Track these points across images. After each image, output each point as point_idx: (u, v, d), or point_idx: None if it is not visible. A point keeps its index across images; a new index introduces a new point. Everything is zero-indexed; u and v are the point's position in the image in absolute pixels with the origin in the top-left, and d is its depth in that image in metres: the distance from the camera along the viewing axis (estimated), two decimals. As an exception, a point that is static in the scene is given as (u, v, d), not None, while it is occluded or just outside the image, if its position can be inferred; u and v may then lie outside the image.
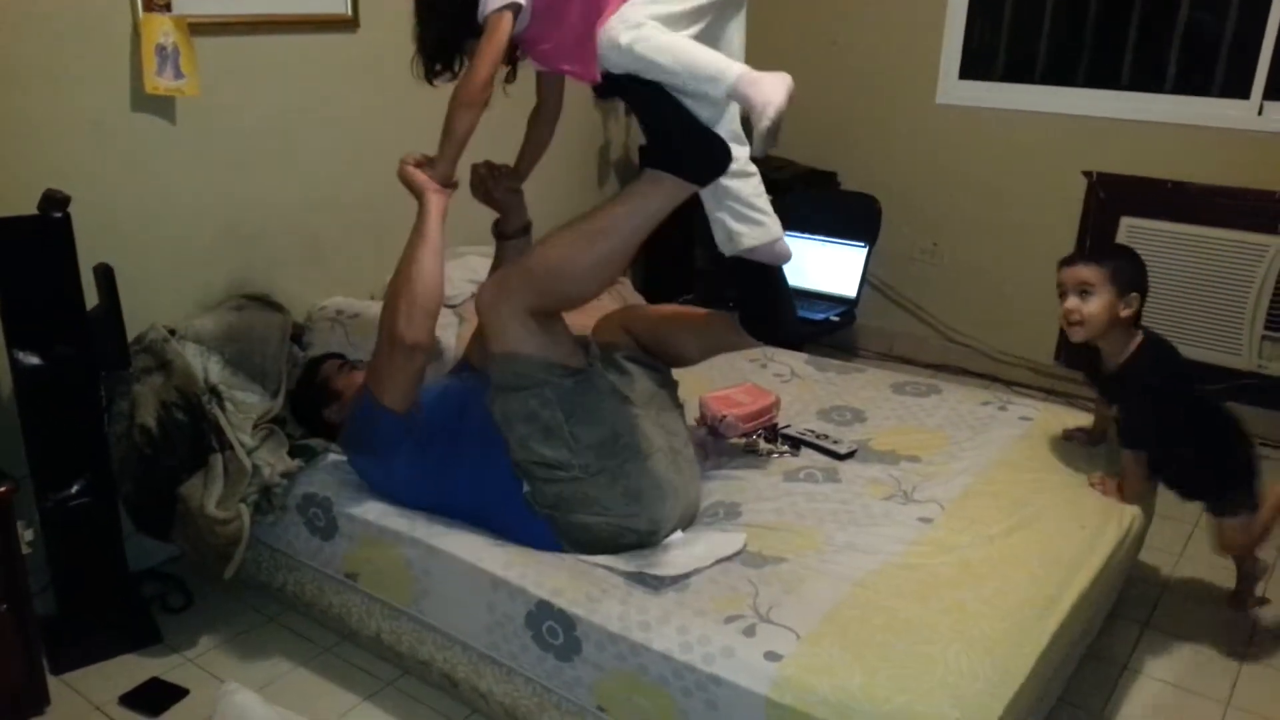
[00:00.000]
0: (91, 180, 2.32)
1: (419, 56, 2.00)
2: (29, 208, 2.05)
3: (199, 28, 2.43)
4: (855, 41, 4.03)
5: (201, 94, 2.45)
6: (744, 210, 1.97)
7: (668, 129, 1.84)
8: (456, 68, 2.01)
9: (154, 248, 2.49)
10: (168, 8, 2.37)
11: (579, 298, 1.97)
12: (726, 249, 2.02)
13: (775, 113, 1.72)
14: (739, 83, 1.74)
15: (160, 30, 2.36)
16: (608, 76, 1.84)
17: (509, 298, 1.89)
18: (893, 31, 3.94)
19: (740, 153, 1.98)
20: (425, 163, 2.00)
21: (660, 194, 1.86)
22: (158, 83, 2.38)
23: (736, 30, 1.95)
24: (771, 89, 1.74)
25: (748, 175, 1.99)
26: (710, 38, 1.85)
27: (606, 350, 2.15)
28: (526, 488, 1.94)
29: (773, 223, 2.01)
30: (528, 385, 1.90)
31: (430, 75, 2.01)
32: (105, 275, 2.15)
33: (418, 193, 1.99)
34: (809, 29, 4.10)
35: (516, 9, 1.89)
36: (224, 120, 2.58)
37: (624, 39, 1.76)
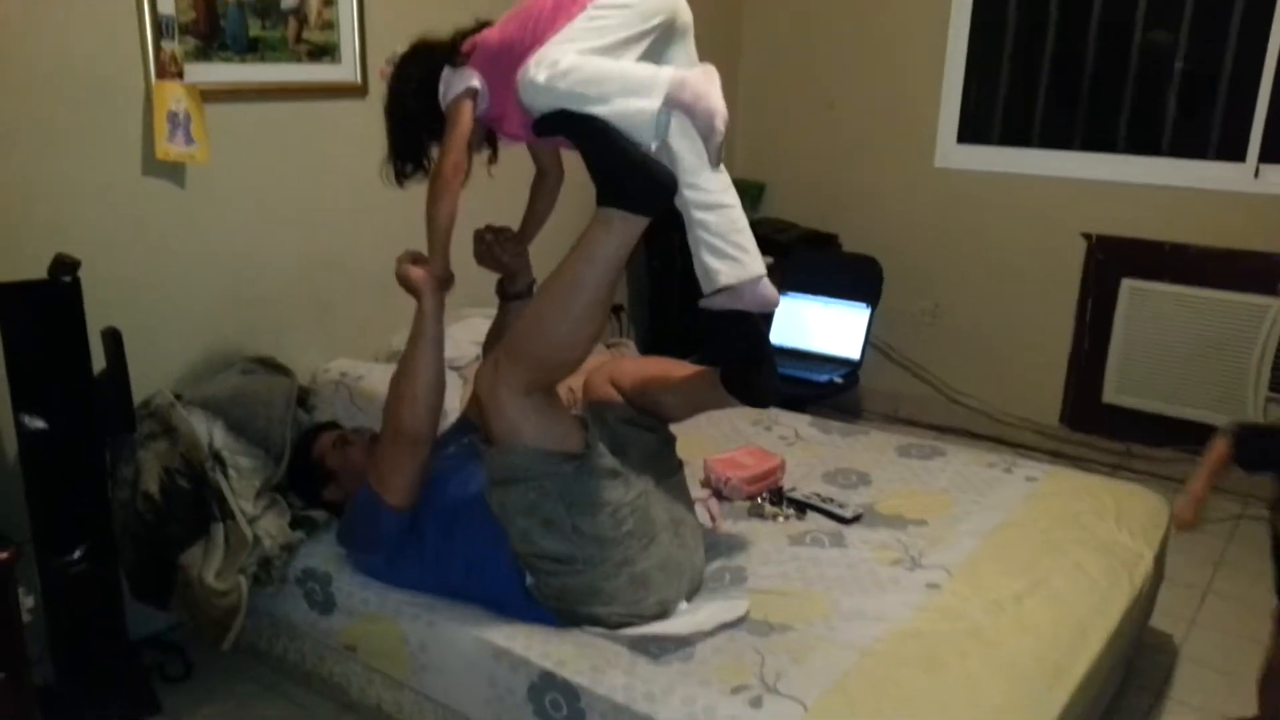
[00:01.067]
0: (101, 244, 2.34)
1: (390, 161, 2.04)
2: (40, 272, 2.06)
3: (211, 94, 2.47)
4: (853, 105, 4.09)
5: (211, 159, 2.48)
6: (720, 245, 1.91)
7: (605, 162, 1.78)
8: (426, 165, 2.04)
9: (162, 311, 2.51)
10: (180, 75, 2.41)
11: (568, 361, 1.90)
12: (705, 287, 1.95)
13: (723, 124, 1.71)
14: (670, 91, 1.71)
15: (172, 97, 2.39)
16: (541, 119, 1.81)
17: (504, 379, 1.85)
18: (890, 96, 4.00)
19: (715, 183, 1.92)
20: (420, 260, 2.00)
21: (613, 233, 1.80)
22: (168, 149, 2.41)
23: (680, 56, 1.92)
24: (706, 92, 1.70)
25: (724, 207, 1.92)
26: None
27: (599, 411, 2.13)
28: (530, 579, 1.91)
29: (752, 261, 1.94)
30: (526, 478, 1.86)
31: (400, 177, 2.05)
32: (113, 339, 2.16)
33: (415, 291, 1.98)
34: (807, 92, 4.17)
35: (473, 93, 1.93)
36: (233, 184, 2.61)
37: (541, 77, 1.74)
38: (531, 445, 1.85)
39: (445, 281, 2.00)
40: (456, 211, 1.94)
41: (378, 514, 2.02)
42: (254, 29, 2.58)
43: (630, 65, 1.78)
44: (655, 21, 1.84)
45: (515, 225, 2.26)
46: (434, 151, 2.02)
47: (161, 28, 2.37)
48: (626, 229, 1.79)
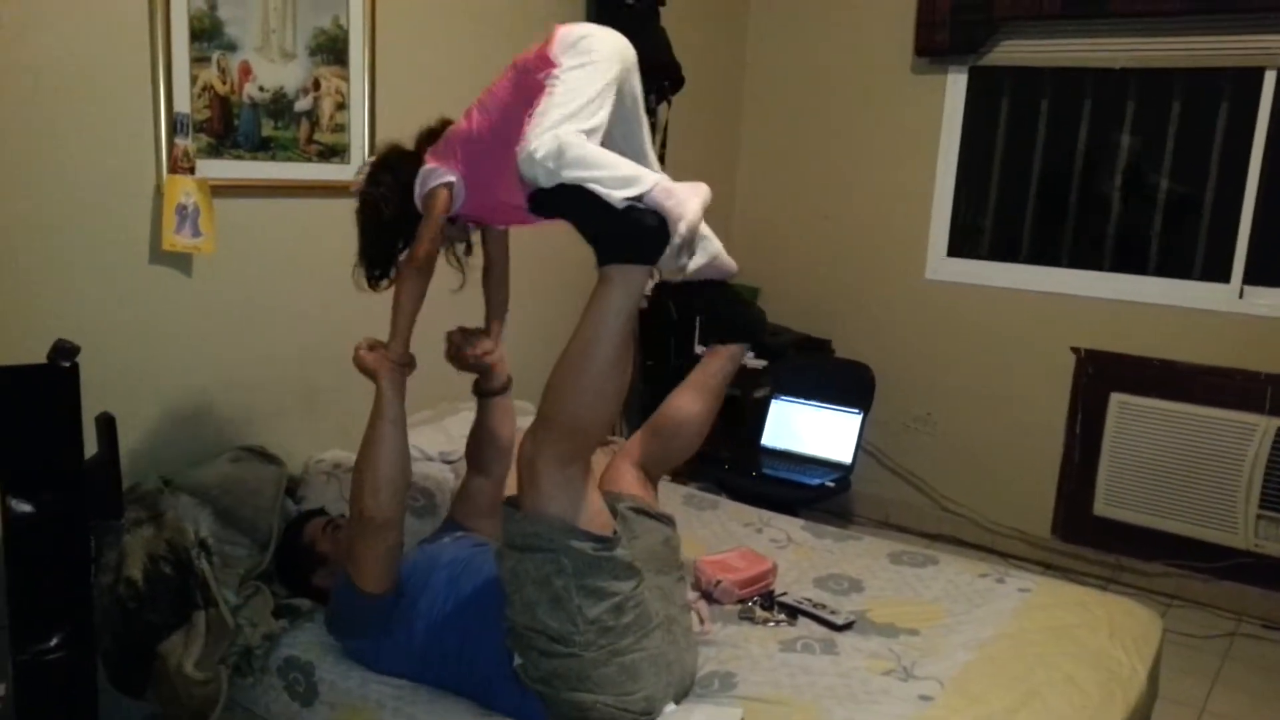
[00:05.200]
0: (103, 330, 2.36)
1: (360, 265, 2.10)
2: (40, 356, 2.08)
3: (220, 189, 2.53)
4: (847, 216, 4.20)
5: (217, 250, 2.52)
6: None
7: (596, 220, 1.78)
8: (393, 273, 2.10)
9: (158, 397, 2.52)
10: (191, 170, 2.47)
11: (599, 422, 1.88)
12: (674, 278, 2.02)
13: (686, 229, 1.70)
14: (654, 192, 1.72)
15: (183, 191, 2.45)
16: (538, 197, 1.82)
17: (541, 451, 1.83)
18: (883, 209, 4.11)
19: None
20: (377, 346, 2.06)
21: (618, 288, 1.80)
22: (175, 240, 2.46)
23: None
24: (686, 201, 1.71)
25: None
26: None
27: (611, 500, 2.12)
28: (518, 660, 1.87)
29: (711, 242, 2.08)
30: (547, 548, 1.83)
31: (372, 281, 2.11)
32: (106, 424, 2.16)
33: (372, 374, 2.03)
34: (802, 201, 4.29)
35: (450, 186, 1.98)
36: (237, 275, 2.65)
37: (539, 154, 1.74)
38: (560, 518, 1.82)
39: (404, 365, 2.04)
40: (423, 297, 2.00)
41: (357, 602, 2.00)
42: (267, 129, 2.66)
43: (622, 161, 1.79)
44: (616, 69, 1.87)
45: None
46: (403, 257, 2.07)
47: (176, 125, 2.44)
48: (626, 281, 1.80)
